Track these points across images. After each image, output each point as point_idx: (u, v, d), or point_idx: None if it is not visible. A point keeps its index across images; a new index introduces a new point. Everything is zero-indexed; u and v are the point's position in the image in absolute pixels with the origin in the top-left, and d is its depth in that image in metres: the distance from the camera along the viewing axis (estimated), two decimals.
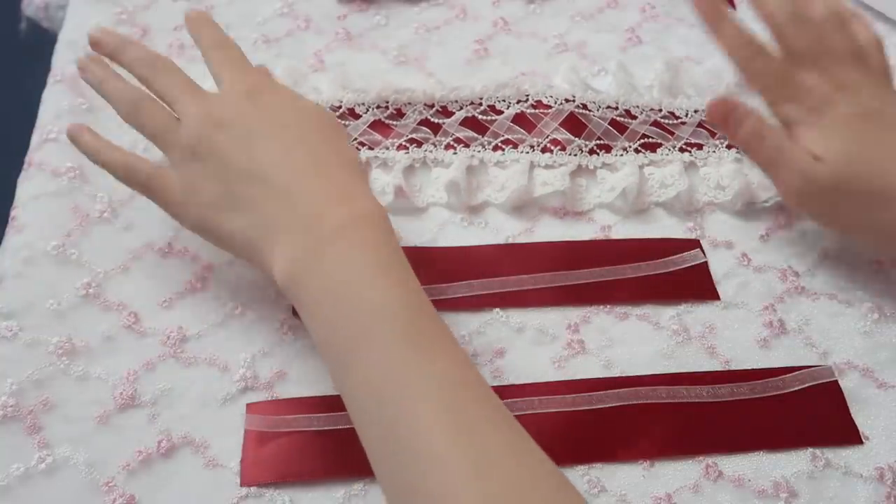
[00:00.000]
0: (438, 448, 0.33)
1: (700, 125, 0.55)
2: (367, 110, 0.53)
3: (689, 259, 0.50)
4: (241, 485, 0.41)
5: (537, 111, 0.53)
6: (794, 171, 0.46)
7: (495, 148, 0.53)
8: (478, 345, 0.46)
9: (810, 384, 0.45)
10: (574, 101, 0.53)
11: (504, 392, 0.41)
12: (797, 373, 0.45)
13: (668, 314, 0.48)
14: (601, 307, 0.48)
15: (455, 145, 0.53)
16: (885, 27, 0.63)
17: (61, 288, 0.46)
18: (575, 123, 0.53)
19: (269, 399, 0.43)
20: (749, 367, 0.46)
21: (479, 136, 0.53)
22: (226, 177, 0.41)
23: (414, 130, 0.53)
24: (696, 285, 0.49)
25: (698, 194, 0.52)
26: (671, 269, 0.49)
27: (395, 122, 0.53)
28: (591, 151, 0.53)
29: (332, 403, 0.43)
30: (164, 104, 0.44)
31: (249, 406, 0.43)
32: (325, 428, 0.42)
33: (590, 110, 0.54)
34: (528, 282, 0.48)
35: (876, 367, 0.47)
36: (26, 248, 0.47)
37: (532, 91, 0.54)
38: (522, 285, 0.48)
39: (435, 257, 0.49)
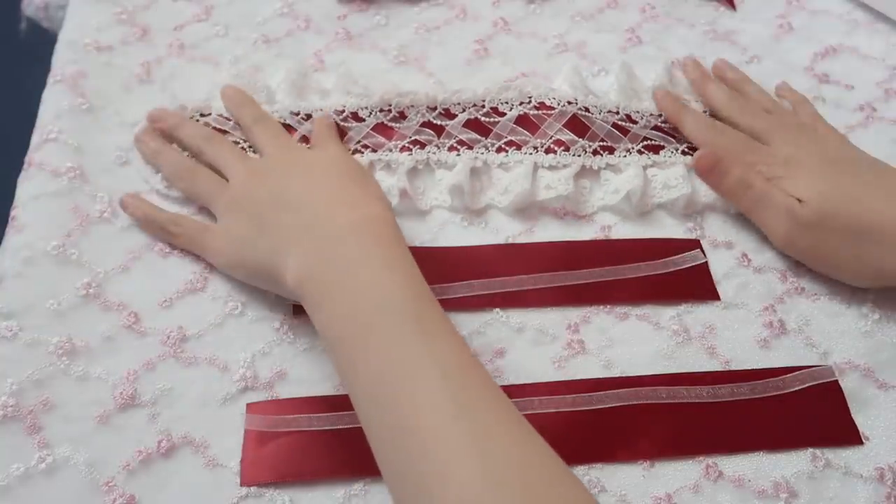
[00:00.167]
0: (438, 424, 0.34)
1: None
2: (371, 114, 0.53)
3: (689, 259, 0.50)
4: (241, 485, 0.41)
5: (540, 112, 0.53)
6: (781, 213, 0.48)
7: (499, 150, 0.53)
8: (478, 345, 0.46)
9: (810, 384, 0.45)
10: (576, 103, 0.53)
11: (504, 392, 0.40)
12: (797, 373, 0.45)
13: (668, 314, 0.48)
14: (601, 307, 0.48)
15: (458, 147, 0.53)
16: (886, 27, 0.63)
17: (61, 288, 0.46)
18: (578, 124, 0.53)
19: (269, 399, 0.43)
20: (749, 368, 0.46)
21: (483, 138, 0.53)
22: (258, 212, 0.45)
23: (417, 132, 0.53)
24: (696, 286, 0.49)
25: (699, 196, 0.52)
26: (671, 270, 0.49)
27: (397, 125, 0.53)
28: (595, 152, 0.53)
29: (332, 403, 0.43)
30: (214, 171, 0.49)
31: (249, 406, 0.43)
32: (325, 428, 0.42)
33: (591, 114, 0.53)
34: (529, 282, 0.48)
35: (876, 367, 0.47)
36: (26, 248, 0.47)
37: (535, 93, 0.54)
38: (522, 285, 0.48)
39: (435, 257, 0.49)
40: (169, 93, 0.55)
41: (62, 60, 0.56)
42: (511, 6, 0.63)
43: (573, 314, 0.48)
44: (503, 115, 0.54)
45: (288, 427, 0.42)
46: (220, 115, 0.53)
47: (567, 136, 0.52)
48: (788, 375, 0.45)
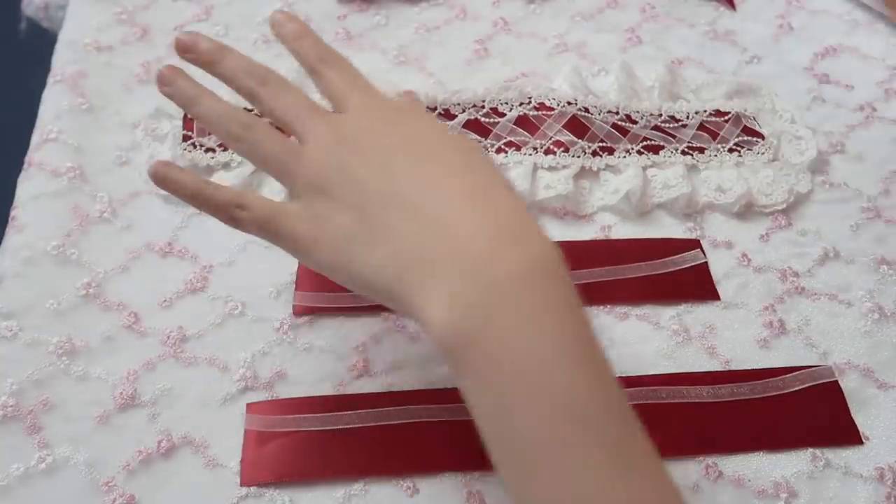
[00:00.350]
0: None
1: (701, 128, 0.55)
2: None
3: (689, 259, 0.50)
4: (241, 485, 0.41)
5: (540, 113, 0.53)
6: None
7: (498, 150, 0.53)
8: None
9: (810, 384, 0.45)
10: (576, 104, 0.53)
11: None
12: (797, 373, 0.45)
13: (668, 314, 0.48)
14: (601, 307, 0.48)
15: None
16: (885, 27, 0.63)
17: (61, 288, 0.46)
18: (578, 125, 0.53)
19: (269, 399, 0.43)
20: (749, 367, 0.46)
21: (483, 139, 0.53)
22: (361, 204, 0.34)
23: None
24: (696, 285, 0.49)
25: (698, 196, 0.52)
26: (671, 270, 0.49)
27: None
28: (595, 153, 0.53)
29: (332, 403, 0.43)
30: (278, 126, 0.37)
31: (249, 406, 0.43)
32: (325, 428, 0.42)
33: (591, 114, 0.54)
34: None
35: (876, 367, 0.47)
36: (26, 248, 0.47)
37: (535, 93, 0.54)
38: None
39: None
40: None
41: (62, 60, 0.56)
42: (511, 6, 0.63)
43: None
44: (503, 115, 0.54)
45: (288, 427, 0.42)
46: None
47: (566, 136, 0.52)
48: (788, 375, 0.45)
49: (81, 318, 0.45)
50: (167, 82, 0.38)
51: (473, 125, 0.53)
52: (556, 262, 0.33)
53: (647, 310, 0.48)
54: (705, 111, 0.55)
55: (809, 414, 0.44)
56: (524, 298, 0.31)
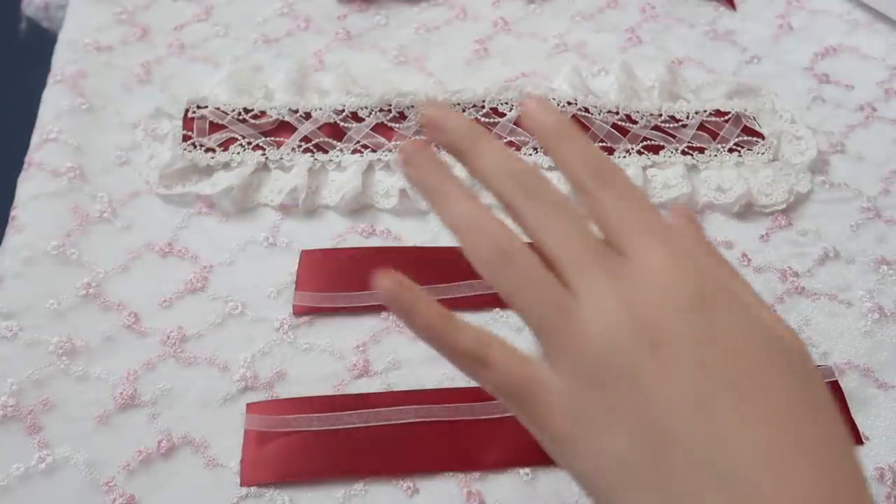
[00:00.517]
0: None
1: (701, 128, 0.55)
2: (371, 114, 0.53)
3: None
4: (241, 485, 0.41)
5: None
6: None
7: None
8: None
9: None
10: (576, 104, 0.53)
11: None
12: None
13: None
14: None
15: None
16: (886, 27, 0.63)
17: (61, 288, 0.46)
18: (578, 125, 0.53)
19: (269, 399, 0.43)
20: None
21: None
22: (654, 439, 0.25)
23: (417, 133, 0.53)
24: None
25: (698, 195, 0.52)
26: None
27: (397, 125, 0.53)
28: None
29: (332, 403, 0.43)
30: (543, 257, 0.27)
31: (249, 406, 0.43)
32: (325, 428, 0.42)
33: (591, 114, 0.54)
34: None
35: (876, 367, 0.47)
36: (26, 248, 0.47)
37: (535, 93, 0.54)
38: None
39: (435, 257, 0.49)
40: (169, 93, 0.55)
41: (62, 60, 0.56)
42: (511, 6, 0.63)
43: None
44: (503, 115, 0.54)
45: (288, 427, 0.42)
46: (217, 108, 0.52)
47: None
48: None
49: (81, 318, 0.45)
50: (409, 160, 0.29)
51: None
52: None
53: None
54: (705, 111, 0.55)
55: None
56: None
